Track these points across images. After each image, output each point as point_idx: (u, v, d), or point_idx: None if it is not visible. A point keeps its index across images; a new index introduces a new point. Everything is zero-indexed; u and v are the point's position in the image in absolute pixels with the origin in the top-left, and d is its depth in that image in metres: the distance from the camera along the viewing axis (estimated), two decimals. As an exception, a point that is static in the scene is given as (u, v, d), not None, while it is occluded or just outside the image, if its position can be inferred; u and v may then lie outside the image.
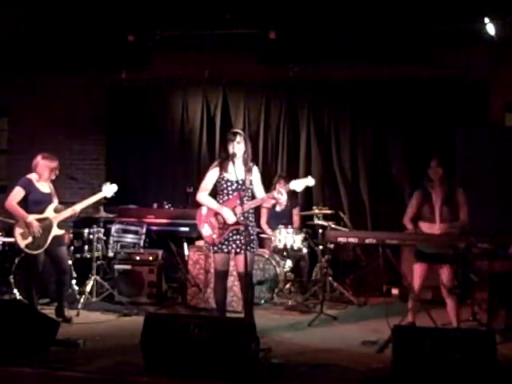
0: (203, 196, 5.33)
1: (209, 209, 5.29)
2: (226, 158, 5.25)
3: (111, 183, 6.13)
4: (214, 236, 5.23)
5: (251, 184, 5.29)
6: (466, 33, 7.24)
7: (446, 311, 5.47)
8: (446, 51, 7.67)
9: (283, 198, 5.18)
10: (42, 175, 5.89)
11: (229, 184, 5.25)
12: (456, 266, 5.40)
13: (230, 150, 5.19)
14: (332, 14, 7.10)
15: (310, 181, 5.27)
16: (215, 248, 5.25)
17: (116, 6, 7.03)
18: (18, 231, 5.81)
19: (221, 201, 5.27)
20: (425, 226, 5.43)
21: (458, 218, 5.37)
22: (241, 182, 5.23)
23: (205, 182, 5.34)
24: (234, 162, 5.14)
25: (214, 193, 5.39)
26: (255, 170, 5.37)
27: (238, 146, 5.21)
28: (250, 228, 5.22)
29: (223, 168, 5.27)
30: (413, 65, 7.70)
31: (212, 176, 5.32)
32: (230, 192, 5.24)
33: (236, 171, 5.17)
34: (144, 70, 8.33)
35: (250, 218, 5.27)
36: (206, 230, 5.29)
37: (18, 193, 5.83)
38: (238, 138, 5.22)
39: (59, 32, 7.68)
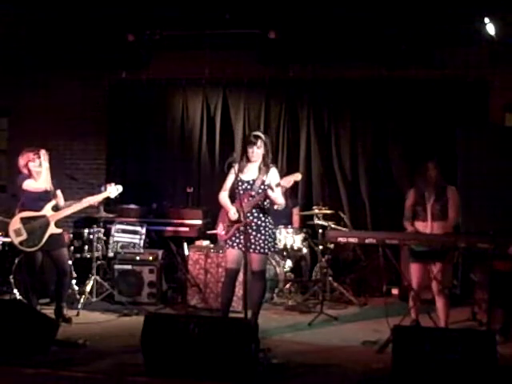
0: (222, 196, 5.47)
1: (224, 208, 5.44)
2: (243, 160, 5.39)
3: (116, 184, 6.13)
4: (223, 233, 5.37)
5: (263, 185, 5.32)
6: (466, 33, 7.24)
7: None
8: (446, 51, 7.67)
9: (274, 195, 5.22)
10: (24, 168, 5.87)
11: (240, 184, 5.31)
12: (448, 263, 5.41)
13: (249, 153, 5.32)
14: (332, 14, 7.10)
15: (297, 176, 5.33)
16: (227, 244, 5.35)
17: (116, 6, 7.03)
18: (11, 228, 5.79)
19: (236, 200, 5.36)
20: (419, 226, 5.48)
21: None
22: (251, 182, 5.32)
23: (225, 182, 5.48)
24: (249, 164, 5.31)
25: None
26: (273, 171, 5.42)
27: (258, 151, 5.32)
28: (261, 228, 5.28)
29: (240, 169, 5.36)
30: (413, 65, 7.70)
31: (230, 177, 5.43)
32: (241, 192, 5.30)
33: (249, 172, 5.32)
34: (144, 70, 8.32)
35: (263, 218, 5.33)
36: (220, 229, 5.44)
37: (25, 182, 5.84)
38: (259, 143, 5.32)
39: (59, 32, 7.68)
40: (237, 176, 5.29)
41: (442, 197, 5.42)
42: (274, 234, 5.48)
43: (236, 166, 5.33)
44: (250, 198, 5.28)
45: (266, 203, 5.39)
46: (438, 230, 5.36)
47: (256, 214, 5.28)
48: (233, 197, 5.43)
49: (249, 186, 5.31)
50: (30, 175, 5.86)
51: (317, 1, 6.94)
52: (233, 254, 5.31)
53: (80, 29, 7.56)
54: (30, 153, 5.89)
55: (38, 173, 5.86)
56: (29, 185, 5.87)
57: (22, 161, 5.90)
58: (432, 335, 4.17)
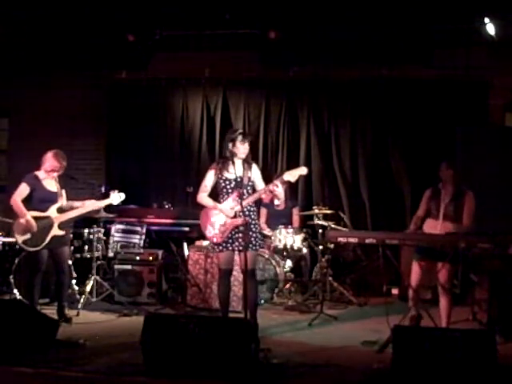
0: (203, 197, 5.36)
1: (210, 209, 5.31)
2: (227, 158, 5.28)
3: (114, 187, 6.15)
4: (217, 235, 5.25)
5: (250, 181, 5.31)
6: (466, 33, 7.25)
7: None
8: (446, 51, 7.67)
9: (279, 190, 5.19)
10: (46, 169, 5.82)
11: (227, 183, 5.28)
12: (455, 265, 5.38)
13: (239, 150, 5.22)
14: (332, 14, 7.11)
15: (302, 170, 5.30)
16: (220, 247, 5.26)
17: (116, 5, 7.04)
18: (16, 226, 5.78)
19: (222, 200, 5.30)
20: (428, 223, 5.42)
21: (462, 218, 5.35)
22: (239, 179, 5.25)
23: (204, 183, 5.37)
24: (234, 162, 5.20)
25: (215, 194, 5.40)
26: (254, 167, 5.40)
27: (247, 147, 5.27)
28: (252, 225, 5.25)
29: (222, 168, 5.29)
30: (413, 65, 7.71)
31: (210, 177, 5.35)
32: (230, 191, 5.27)
33: (235, 170, 5.22)
34: (144, 70, 8.33)
35: (252, 216, 5.29)
36: (209, 231, 5.31)
37: (23, 189, 5.78)
38: (249, 139, 5.29)
39: (59, 32, 7.68)
40: (220, 175, 5.26)
41: (458, 199, 5.34)
42: (261, 231, 5.50)
43: (216, 166, 5.32)
44: (245, 196, 5.20)
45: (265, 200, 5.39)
46: (448, 230, 5.32)
47: (247, 212, 5.21)
48: (211, 197, 5.35)
49: (237, 184, 5.22)
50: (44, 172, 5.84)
51: (317, 1, 6.94)
52: (227, 255, 5.28)
53: (80, 29, 7.56)
54: (58, 164, 5.80)
55: (51, 178, 5.86)
56: (41, 184, 5.80)
57: (49, 161, 5.80)
58: (432, 335, 4.17)
